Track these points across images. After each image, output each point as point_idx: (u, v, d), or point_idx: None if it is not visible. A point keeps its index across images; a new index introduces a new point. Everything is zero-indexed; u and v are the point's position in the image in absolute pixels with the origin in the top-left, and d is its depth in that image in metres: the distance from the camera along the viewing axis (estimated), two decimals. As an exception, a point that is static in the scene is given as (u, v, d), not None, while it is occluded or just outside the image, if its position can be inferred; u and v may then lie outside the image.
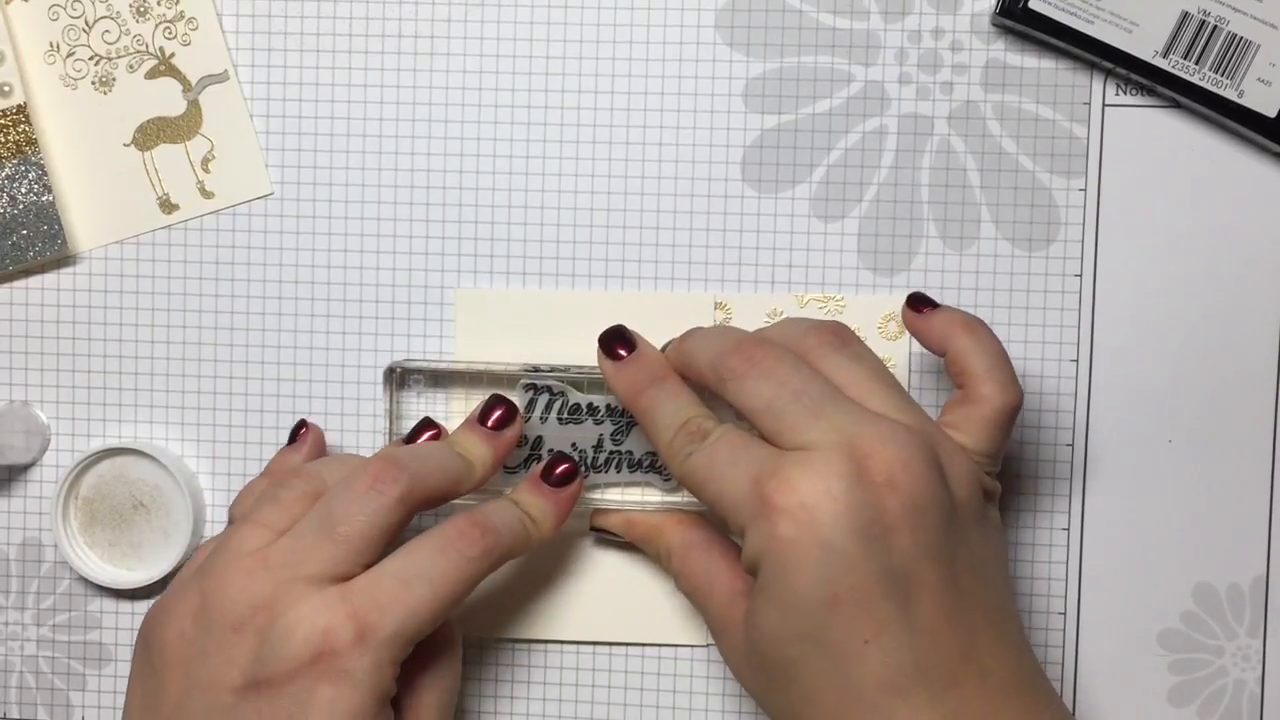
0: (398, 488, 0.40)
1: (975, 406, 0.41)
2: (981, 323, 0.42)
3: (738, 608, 0.41)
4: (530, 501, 0.44)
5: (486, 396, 0.45)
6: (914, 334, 0.44)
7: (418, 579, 0.40)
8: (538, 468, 0.45)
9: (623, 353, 0.44)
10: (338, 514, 0.40)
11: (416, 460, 0.42)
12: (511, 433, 0.44)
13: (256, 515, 0.42)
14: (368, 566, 0.40)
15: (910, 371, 0.48)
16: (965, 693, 0.37)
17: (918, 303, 0.44)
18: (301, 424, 0.48)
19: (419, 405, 0.49)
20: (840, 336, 0.41)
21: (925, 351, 0.46)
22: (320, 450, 0.48)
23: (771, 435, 0.39)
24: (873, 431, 0.37)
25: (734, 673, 0.42)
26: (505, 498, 0.44)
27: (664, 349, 0.45)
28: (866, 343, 0.42)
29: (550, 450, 0.47)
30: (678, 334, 0.46)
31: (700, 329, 0.44)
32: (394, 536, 0.41)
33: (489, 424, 0.44)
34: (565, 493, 0.44)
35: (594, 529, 0.48)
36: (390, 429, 0.48)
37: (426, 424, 0.46)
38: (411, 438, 0.45)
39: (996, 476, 0.42)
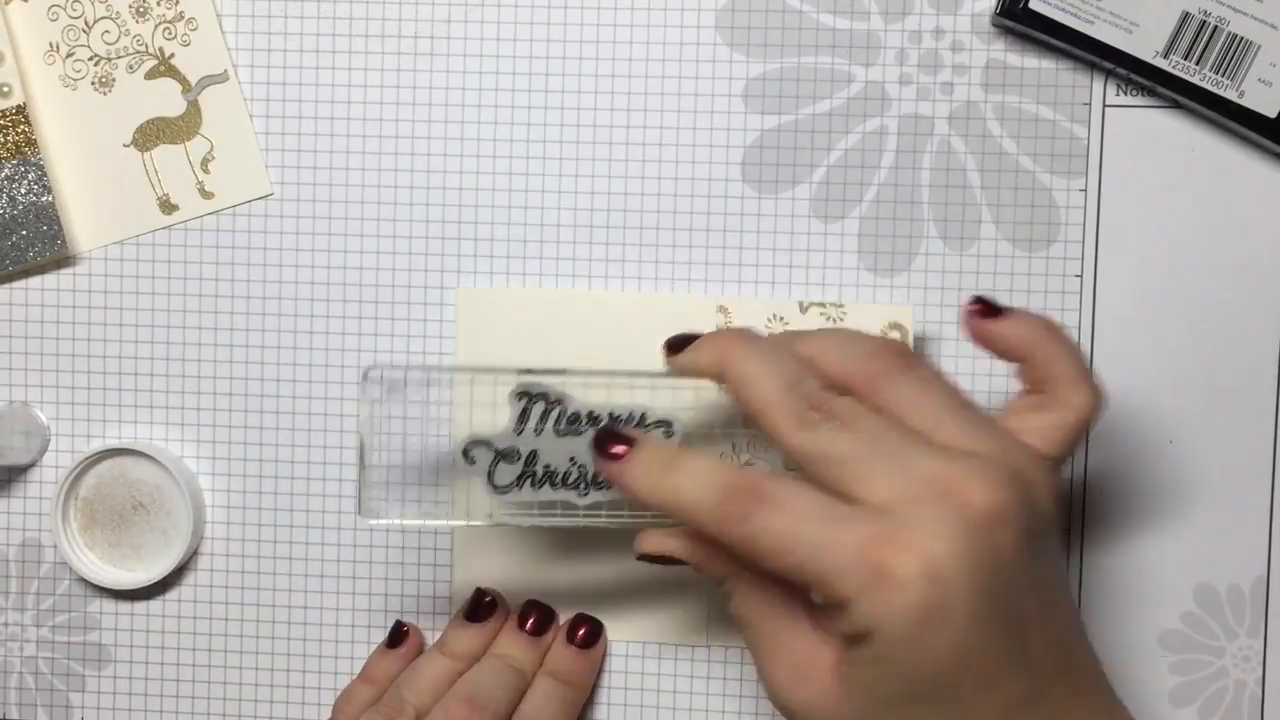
0: None
1: (1060, 413, 0.39)
2: (1061, 325, 0.40)
3: (820, 660, 0.37)
4: (564, 670, 0.48)
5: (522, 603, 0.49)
6: (982, 341, 0.40)
7: None
8: (561, 633, 0.49)
9: (618, 451, 0.38)
10: None
11: (493, 699, 0.46)
12: (550, 635, 0.49)
13: None
14: None
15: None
16: (1070, 709, 0.37)
17: (986, 307, 0.40)
18: (400, 626, 0.50)
19: (414, 410, 0.48)
20: (905, 359, 0.39)
21: (932, 352, 0.46)
22: (417, 655, 0.50)
23: (848, 483, 0.36)
24: (962, 471, 0.35)
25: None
26: (542, 691, 0.47)
27: (671, 350, 0.41)
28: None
29: (547, 466, 0.41)
30: (675, 334, 0.44)
31: (750, 358, 0.38)
32: None
33: (527, 629, 0.49)
34: (593, 653, 0.49)
35: (644, 558, 0.41)
36: (389, 432, 0.46)
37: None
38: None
39: None
